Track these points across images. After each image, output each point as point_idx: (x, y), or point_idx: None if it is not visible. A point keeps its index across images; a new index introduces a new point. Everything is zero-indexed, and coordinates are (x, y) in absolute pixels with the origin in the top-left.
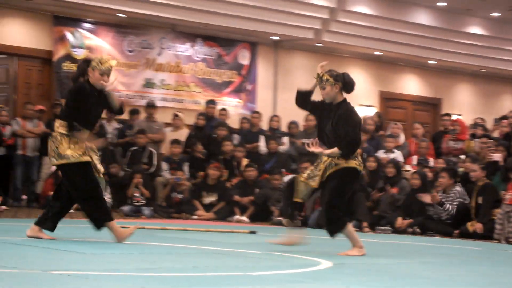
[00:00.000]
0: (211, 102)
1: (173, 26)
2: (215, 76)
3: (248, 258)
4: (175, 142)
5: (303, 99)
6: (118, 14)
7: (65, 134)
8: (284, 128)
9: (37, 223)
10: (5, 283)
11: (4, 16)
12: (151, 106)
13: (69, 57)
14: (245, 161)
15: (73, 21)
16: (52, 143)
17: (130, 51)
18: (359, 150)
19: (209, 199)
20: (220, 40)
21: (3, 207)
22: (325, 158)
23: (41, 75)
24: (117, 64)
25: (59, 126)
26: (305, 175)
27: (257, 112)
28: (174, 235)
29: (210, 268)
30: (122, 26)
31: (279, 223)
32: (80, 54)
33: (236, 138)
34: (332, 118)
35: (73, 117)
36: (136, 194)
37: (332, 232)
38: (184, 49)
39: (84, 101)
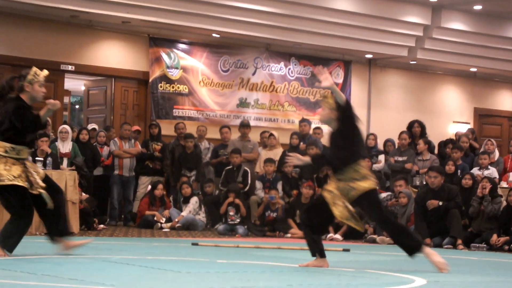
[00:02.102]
0: (305, 121)
1: (267, 45)
2: (309, 95)
3: (342, 276)
4: (268, 161)
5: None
6: (212, 35)
7: (2, 155)
8: (379, 146)
9: None
10: None
11: (102, 38)
12: (245, 125)
13: (164, 78)
14: None
15: (169, 42)
16: None
17: (225, 71)
18: (368, 163)
19: None
20: (314, 59)
21: (101, 226)
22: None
23: (137, 96)
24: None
25: None
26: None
27: None
28: (268, 253)
29: (304, 286)
30: (217, 46)
31: (373, 241)
32: (175, 74)
33: None
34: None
35: (18, 136)
36: (232, 213)
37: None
38: (278, 68)
39: (26, 118)
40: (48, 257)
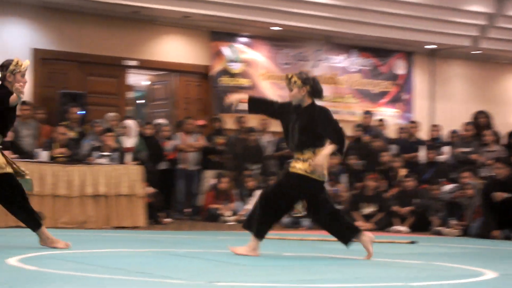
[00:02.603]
0: (367, 113)
1: (328, 38)
2: (370, 86)
3: (409, 268)
4: (332, 153)
5: (253, 105)
6: (273, 28)
7: None
8: (443, 137)
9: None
10: None
11: (164, 33)
12: None
13: (225, 72)
14: (403, 171)
15: (229, 36)
16: None
17: (286, 64)
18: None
19: (368, 209)
20: (376, 50)
21: (167, 219)
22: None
23: (200, 90)
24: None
25: None
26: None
27: (415, 122)
28: (334, 246)
29: (372, 279)
30: (277, 39)
31: (439, 233)
32: (236, 68)
33: (394, 148)
34: (302, 120)
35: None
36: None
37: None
38: (339, 60)
39: (10, 108)
40: (118, 251)
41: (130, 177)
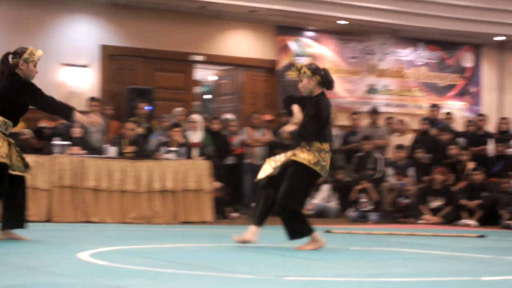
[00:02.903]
0: (434, 106)
1: (395, 31)
2: (437, 80)
3: (479, 262)
4: (399, 147)
5: (287, 103)
6: (339, 22)
7: None
8: None
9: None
10: (243, 287)
11: (230, 28)
12: (374, 112)
13: (292, 66)
14: (471, 165)
15: (296, 30)
16: None
17: (352, 58)
18: (321, 146)
19: (436, 203)
20: (443, 43)
21: (234, 214)
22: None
23: (266, 84)
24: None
25: None
26: (272, 163)
27: (483, 115)
28: (401, 240)
29: (441, 273)
30: (344, 33)
31: (509, 227)
32: (303, 62)
33: (461, 141)
34: (309, 110)
35: (12, 111)
36: (364, 200)
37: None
38: (406, 54)
39: (21, 95)
40: (186, 246)
41: (197, 172)
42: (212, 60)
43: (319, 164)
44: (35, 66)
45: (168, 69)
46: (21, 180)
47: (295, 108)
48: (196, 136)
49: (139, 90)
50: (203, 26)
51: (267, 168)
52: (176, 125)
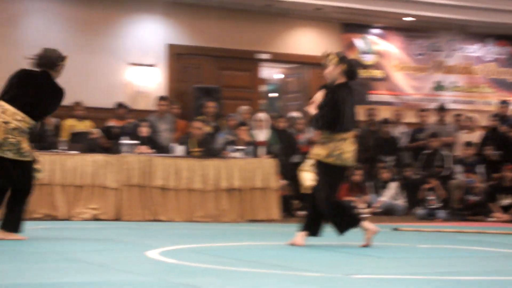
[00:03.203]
0: (504, 103)
1: (463, 27)
2: (507, 75)
3: None
4: (468, 144)
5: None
6: (405, 18)
7: (25, 131)
8: None
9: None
10: (312, 286)
11: (296, 26)
12: (442, 109)
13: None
14: None
15: (361, 28)
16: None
17: (419, 55)
18: (339, 136)
19: (506, 201)
20: None
21: (301, 212)
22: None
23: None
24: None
25: (22, 121)
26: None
27: None
28: (470, 237)
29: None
30: (410, 30)
31: None
32: (369, 59)
33: None
34: (326, 98)
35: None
36: (432, 197)
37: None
38: (474, 50)
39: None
40: (253, 244)
41: (264, 171)
42: (278, 58)
43: (332, 155)
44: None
45: (234, 68)
46: (28, 182)
47: (318, 94)
48: (263, 135)
49: (206, 89)
50: (269, 24)
51: (309, 176)
52: (243, 123)
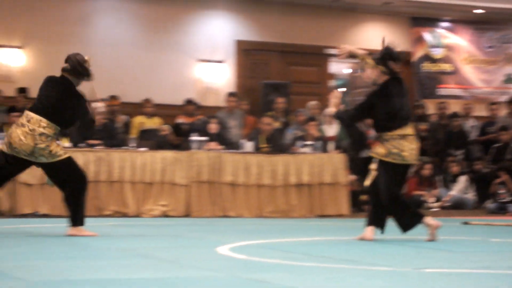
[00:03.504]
0: None
1: None
2: None
3: None
4: None
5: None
6: (475, 11)
7: (50, 136)
8: None
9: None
10: (382, 280)
11: (364, 21)
12: None
13: (427, 57)
14: None
15: (431, 21)
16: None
17: (489, 47)
18: (392, 134)
19: None
20: None
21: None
22: None
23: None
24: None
25: (47, 128)
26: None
27: None
28: None
29: None
30: (480, 22)
31: None
32: (438, 53)
33: None
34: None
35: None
36: (502, 191)
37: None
38: None
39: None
40: (323, 239)
41: (333, 166)
42: None
43: (390, 154)
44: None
45: (302, 63)
46: (75, 176)
47: (335, 92)
48: (332, 130)
49: (274, 85)
50: (337, 19)
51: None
52: (312, 119)
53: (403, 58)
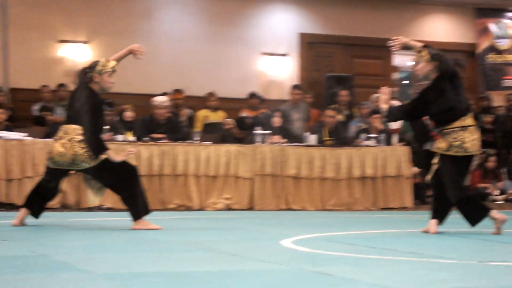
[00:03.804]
0: None
1: None
2: None
3: None
4: None
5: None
6: None
7: (78, 140)
8: None
9: None
10: (447, 273)
11: (428, 13)
12: None
13: (492, 49)
14: None
15: (496, 12)
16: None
17: None
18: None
19: None
20: None
21: None
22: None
23: (466, 68)
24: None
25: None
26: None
27: None
28: None
29: None
30: None
31: None
32: (504, 44)
33: None
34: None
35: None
36: None
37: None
38: None
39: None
40: (387, 231)
41: (397, 158)
42: None
43: (452, 147)
44: (110, 76)
45: (366, 56)
46: (133, 171)
47: (385, 88)
48: (396, 123)
49: (338, 78)
50: (401, 11)
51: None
52: (376, 111)
53: (464, 66)
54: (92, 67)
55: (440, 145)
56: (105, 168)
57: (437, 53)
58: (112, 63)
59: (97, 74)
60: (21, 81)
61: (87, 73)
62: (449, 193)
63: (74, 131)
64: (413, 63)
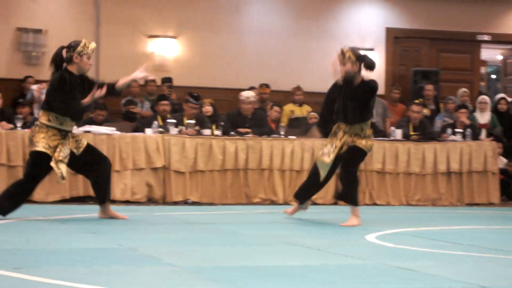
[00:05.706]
0: None
1: None
2: None
3: None
4: None
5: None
6: None
7: (44, 124)
8: None
9: None
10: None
11: None
12: None
13: None
14: None
15: None
16: (31, 131)
17: None
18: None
19: None
20: None
21: None
22: (341, 135)
23: None
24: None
25: (41, 116)
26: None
27: None
28: None
29: None
30: None
31: None
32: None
33: None
34: (355, 95)
35: (63, 107)
36: None
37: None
38: None
39: (69, 90)
40: (472, 228)
41: (484, 153)
42: (498, 39)
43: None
44: (88, 58)
45: (453, 50)
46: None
47: None
48: (483, 117)
49: (424, 72)
50: (489, 4)
51: None
52: (462, 106)
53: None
54: (72, 46)
55: (365, 143)
56: (89, 154)
57: (360, 54)
58: (93, 45)
59: (77, 55)
60: (111, 75)
61: (67, 53)
62: None
63: (71, 125)
64: (501, 57)
